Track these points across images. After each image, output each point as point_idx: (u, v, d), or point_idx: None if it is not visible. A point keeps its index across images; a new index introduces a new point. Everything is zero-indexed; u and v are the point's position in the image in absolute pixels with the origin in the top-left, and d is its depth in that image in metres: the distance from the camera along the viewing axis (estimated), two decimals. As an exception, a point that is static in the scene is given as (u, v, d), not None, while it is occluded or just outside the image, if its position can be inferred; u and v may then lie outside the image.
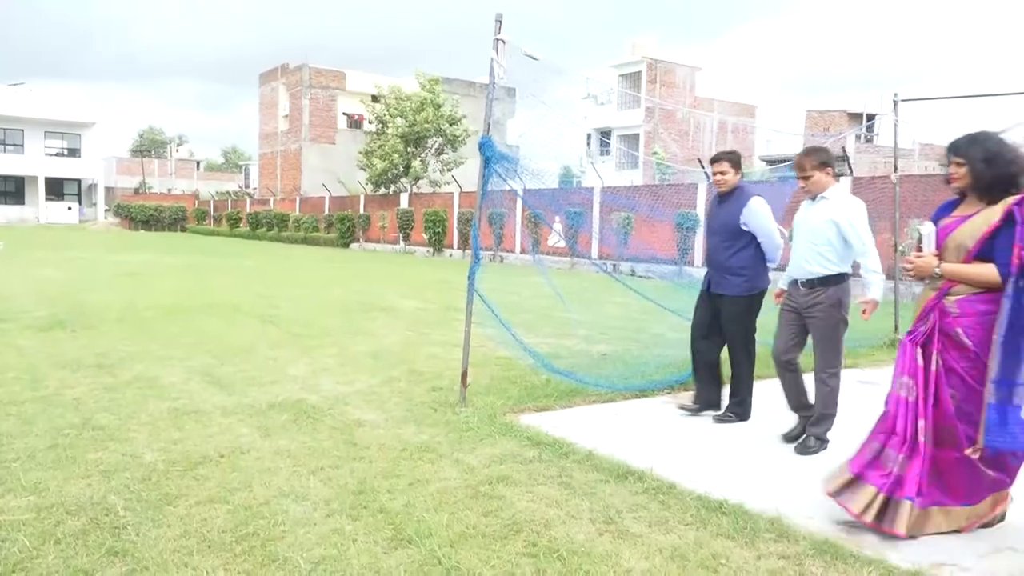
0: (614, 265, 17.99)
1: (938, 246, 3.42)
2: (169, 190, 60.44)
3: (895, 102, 9.15)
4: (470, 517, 3.40)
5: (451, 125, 32.56)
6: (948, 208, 3.51)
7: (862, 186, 16.21)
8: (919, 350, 3.40)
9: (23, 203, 52.67)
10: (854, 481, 3.45)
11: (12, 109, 51.22)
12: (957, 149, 3.41)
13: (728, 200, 5.27)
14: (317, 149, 43.59)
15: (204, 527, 3.21)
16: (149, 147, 79.60)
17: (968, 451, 3.28)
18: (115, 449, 4.20)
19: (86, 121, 53.31)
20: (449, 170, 32.57)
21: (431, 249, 28.61)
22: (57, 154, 53.41)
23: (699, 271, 18.19)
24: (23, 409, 4.96)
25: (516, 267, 22.74)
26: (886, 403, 3.51)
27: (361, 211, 33.02)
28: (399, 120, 32.00)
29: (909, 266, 3.46)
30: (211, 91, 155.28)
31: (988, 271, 3.28)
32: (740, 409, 5.32)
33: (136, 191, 57.25)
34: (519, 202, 23.70)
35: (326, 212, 35.23)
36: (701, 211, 19.75)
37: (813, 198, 4.70)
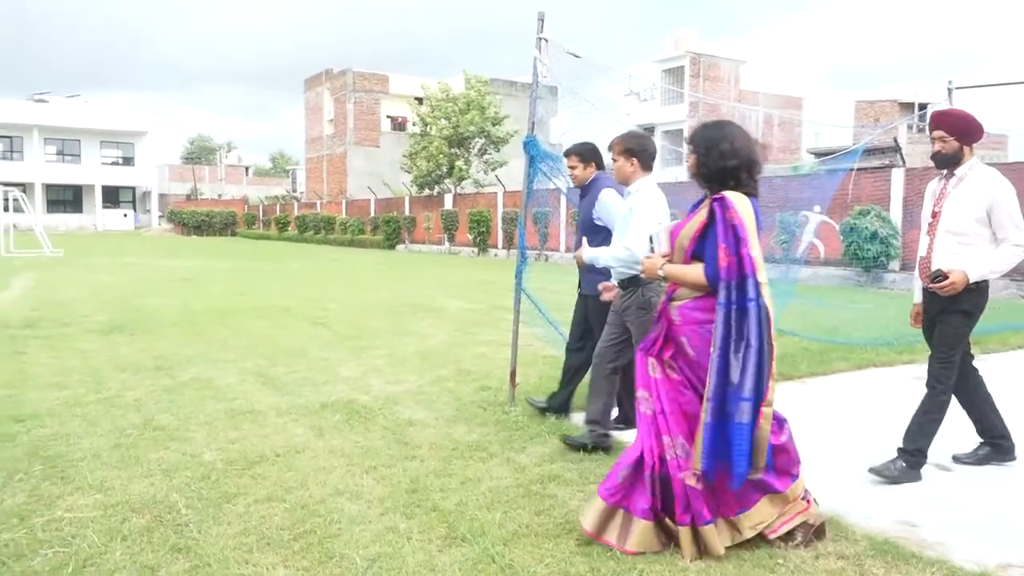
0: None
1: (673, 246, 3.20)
2: (219, 196, 61.73)
3: (949, 90, 8.92)
4: (523, 516, 3.41)
5: (494, 126, 32.66)
6: (697, 204, 3.22)
7: (915, 177, 15.78)
8: (651, 360, 3.19)
9: (81, 211, 54.38)
10: (614, 512, 3.10)
11: (70, 120, 52.96)
12: (690, 137, 3.25)
13: (586, 195, 4.87)
14: (362, 152, 44.10)
15: (263, 525, 3.28)
16: (199, 154, 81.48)
17: (683, 476, 3.02)
18: (175, 448, 4.31)
19: (139, 130, 54.81)
20: (493, 170, 32.66)
21: (476, 249, 28.72)
22: (112, 163, 55.03)
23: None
24: (87, 410, 5.12)
25: (561, 266, 22.70)
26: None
27: (406, 213, 33.33)
28: (443, 122, 32.22)
29: (638, 268, 3.23)
30: (258, 98, 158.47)
31: (695, 272, 3.08)
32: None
33: (188, 197, 58.66)
34: (563, 200, 23.67)
35: (372, 214, 35.64)
36: (748, 206, 19.45)
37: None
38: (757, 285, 2.93)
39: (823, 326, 9.10)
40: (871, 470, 3.99)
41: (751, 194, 3.10)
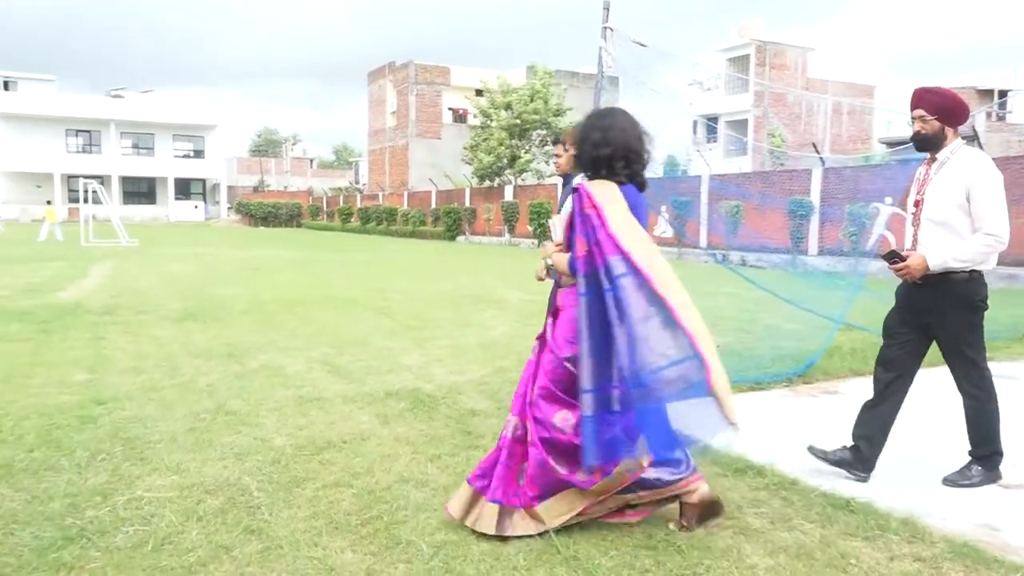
0: (724, 255, 17.52)
1: None
2: (285, 187, 63.18)
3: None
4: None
5: (556, 116, 32.58)
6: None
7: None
8: (536, 344, 3.28)
9: (155, 202, 56.36)
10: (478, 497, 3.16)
11: (144, 115, 54.88)
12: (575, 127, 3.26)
13: (567, 184, 4.89)
14: (423, 144, 44.50)
15: (331, 509, 3.35)
16: (266, 147, 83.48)
17: (579, 476, 3.01)
18: (247, 433, 4.43)
19: (209, 124, 56.46)
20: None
21: (536, 241, 28.73)
22: (184, 156, 56.84)
23: (814, 260, 17.56)
24: (163, 395, 5.31)
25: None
26: None
27: (466, 204, 33.52)
28: (503, 113, 32.28)
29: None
30: (323, 92, 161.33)
31: (563, 261, 3.10)
32: None
33: (255, 189, 60.17)
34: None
35: (433, 206, 35.98)
36: (816, 198, 18.97)
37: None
38: (622, 263, 2.86)
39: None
40: (946, 481, 3.81)
41: (627, 182, 3.08)
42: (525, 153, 32.85)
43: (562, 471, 3.05)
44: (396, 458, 4.05)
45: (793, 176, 20.70)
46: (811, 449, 3.97)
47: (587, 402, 2.91)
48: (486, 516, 3.08)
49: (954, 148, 3.69)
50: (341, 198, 49.17)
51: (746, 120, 41.88)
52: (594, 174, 3.11)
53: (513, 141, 32.62)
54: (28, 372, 5.94)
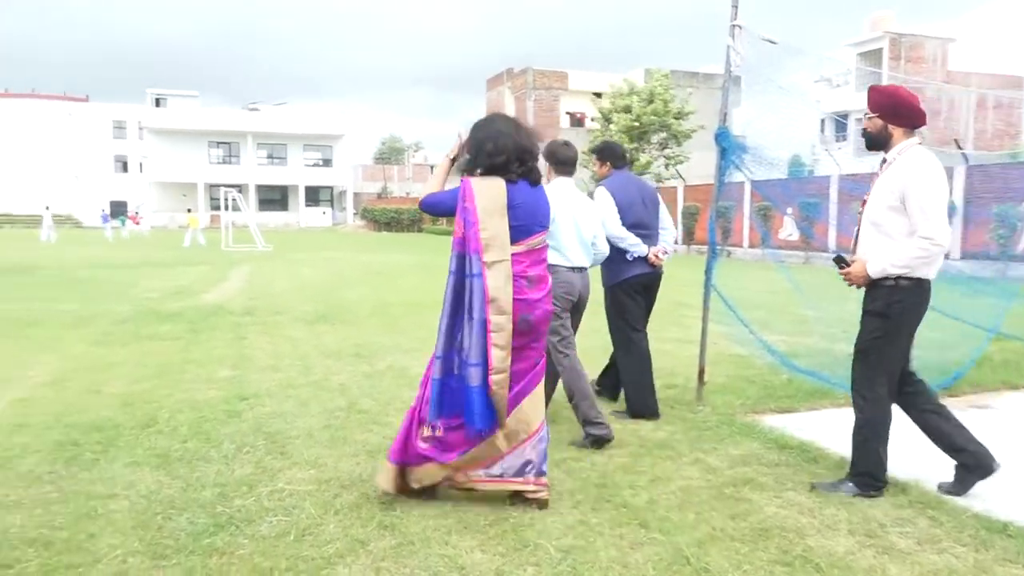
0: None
1: None
2: (407, 194, 65.04)
3: None
4: (716, 519, 3.31)
5: (676, 119, 32.03)
6: None
7: None
8: None
9: (286, 209, 59.42)
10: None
11: (277, 126, 58.02)
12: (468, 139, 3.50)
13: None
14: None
15: (459, 509, 3.41)
16: (389, 154, 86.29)
17: (425, 431, 3.38)
18: (378, 431, 4.59)
19: (336, 133, 59.02)
20: (674, 164, 32.05)
21: (654, 244, 28.33)
22: (313, 164, 59.72)
23: (957, 264, 16.44)
24: (299, 392, 5.58)
25: (745, 262, 21.85)
26: None
27: (584, 208, 33.45)
28: (624, 115, 32.04)
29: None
30: (444, 99, 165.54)
31: None
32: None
33: (379, 195, 62.33)
34: (747, 194, 22.78)
35: (551, 210, 36.07)
36: (959, 198, 17.78)
37: None
38: (479, 264, 3.21)
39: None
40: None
41: (519, 179, 3.34)
42: (644, 156, 32.45)
43: (422, 446, 3.41)
44: (521, 461, 4.08)
45: (933, 175, 19.46)
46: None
47: (436, 366, 3.36)
48: (384, 473, 3.48)
49: (902, 148, 3.60)
50: (460, 203, 50.18)
51: (879, 117, 39.78)
52: (488, 173, 3.36)
53: (632, 144, 32.29)
54: (180, 369, 6.39)
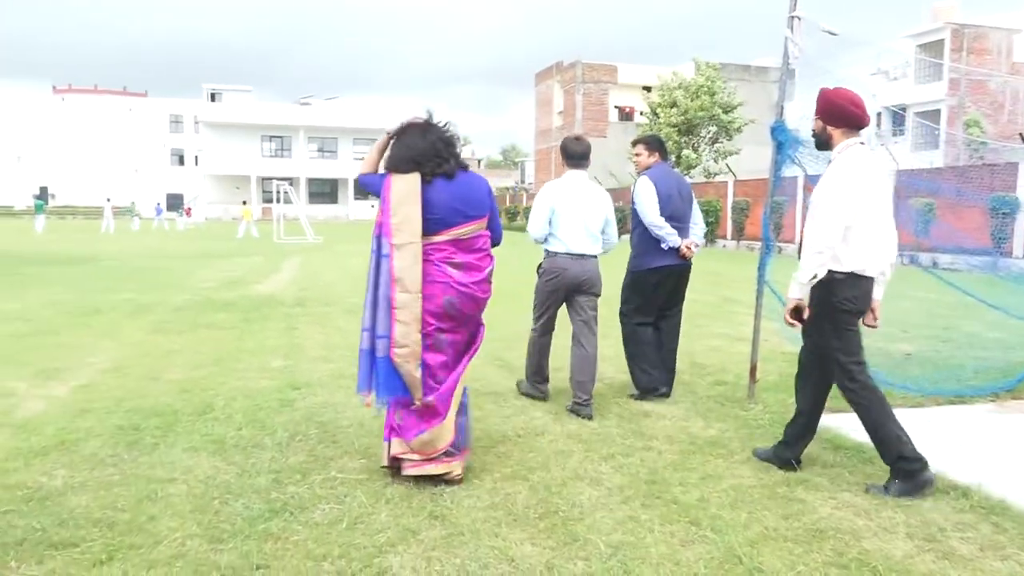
0: (911, 256, 16.29)
1: None
2: (454, 187, 65.39)
3: None
4: (769, 518, 3.26)
5: (726, 113, 31.54)
6: None
7: None
8: None
9: (336, 202, 60.24)
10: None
11: (328, 120, 58.78)
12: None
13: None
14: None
15: (508, 501, 3.42)
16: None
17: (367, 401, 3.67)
18: (427, 423, 4.62)
19: (386, 127, 59.45)
20: (724, 158, 31.59)
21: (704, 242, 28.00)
22: (363, 158, 60.28)
23: (1021, 263, 15.91)
24: (350, 383, 5.63)
25: (796, 259, 21.44)
26: None
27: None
28: (672, 110, 31.68)
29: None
30: (491, 95, 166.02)
31: None
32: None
33: (426, 189, 62.74)
34: (800, 189, 22.33)
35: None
36: (1023, 194, 17.16)
37: None
38: (390, 246, 3.56)
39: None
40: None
41: (433, 178, 3.66)
42: (693, 150, 32.05)
43: (394, 420, 3.69)
44: (569, 455, 4.08)
45: (995, 171, 18.82)
46: None
47: (364, 338, 3.60)
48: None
49: (840, 149, 3.71)
50: (507, 197, 50.24)
51: (938, 110, 38.60)
52: (409, 171, 3.67)
53: (681, 138, 31.92)
54: (234, 357, 6.53)
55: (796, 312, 3.72)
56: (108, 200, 41.02)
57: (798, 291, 3.68)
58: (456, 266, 3.65)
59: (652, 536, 3.08)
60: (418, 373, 3.55)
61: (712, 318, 9.39)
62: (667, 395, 5.30)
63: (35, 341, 7.21)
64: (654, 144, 5.53)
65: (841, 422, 4.72)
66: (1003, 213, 16.97)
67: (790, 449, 3.92)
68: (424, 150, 3.69)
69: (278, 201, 34.04)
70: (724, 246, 27.68)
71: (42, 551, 2.86)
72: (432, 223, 3.61)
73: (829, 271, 3.62)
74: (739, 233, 26.91)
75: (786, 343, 6.93)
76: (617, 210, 6.37)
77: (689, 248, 5.29)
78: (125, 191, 65.43)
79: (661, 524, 3.20)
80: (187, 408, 4.86)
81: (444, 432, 3.59)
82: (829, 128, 3.76)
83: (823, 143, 3.84)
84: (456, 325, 3.70)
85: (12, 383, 5.50)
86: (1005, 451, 4.31)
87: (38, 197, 38.02)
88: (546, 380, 5.33)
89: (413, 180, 3.63)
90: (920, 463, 3.55)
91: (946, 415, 5.02)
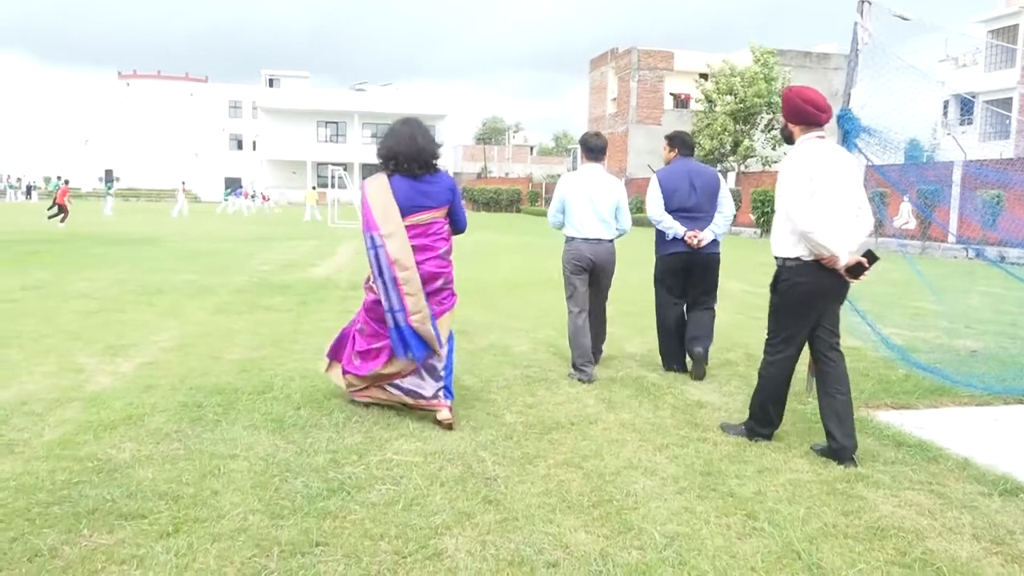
0: (977, 251, 15.78)
1: None
2: (507, 174, 65.37)
3: None
4: (828, 514, 3.21)
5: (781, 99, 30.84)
6: None
7: None
8: None
9: (389, 188, 60.62)
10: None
11: (383, 107, 59.23)
12: None
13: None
14: (643, 130, 44.00)
15: (562, 488, 3.43)
16: (489, 135, 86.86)
17: (355, 362, 4.54)
18: (480, 408, 4.66)
19: (440, 113, 59.74)
20: (781, 146, 30.91)
21: (758, 230, 27.48)
22: (416, 144, 60.62)
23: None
24: (404, 366, 5.71)
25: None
26: None
27: (685, 191, 32.76)
28: (728, 97, 31.10)
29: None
30: (546, 81, 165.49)
31: None
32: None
33: (478, 176, 62.88)
34: (863, 179, 21.71)
35: (650, 193, 35.58)
36: (1101, 186, 16.40)
37: None
38: (379, 237, 4.23)
39: None
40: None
41: (392, 174, 4.34)
42: (749, 139, 31.44)
43: (356, 362, 4.50)
44: (623, 444, 4.06)
45: (1071, 162, 18.02)
46: None
47: (389, 319, 4.26)
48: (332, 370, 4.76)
49: (799, 143, 4.01)
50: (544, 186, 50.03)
51: (1010, 99, 37.11)
52: (383, 169, 4.40)
53: (737, 126, 31.34)
54: (292, 339, 6.66)
55: (853, 270, 3.87)
56: (183, 183, 41.91)
57: (842, 256, 3.81)
58: (413, 246, 4.29)
59: (708, 528, 3.05)
60: (433, 331, 4.26)
61: (765, 309, 9.22)
62: (680, 371, 5.76)
63: (102, 319, 7.46)
64: (676, 141, 5.89)
65: (903, 419, 4.61)
66: (1078, 206, 16.26)
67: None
68: (387, 153, 4.36)
69: (333, 186, 34.50)
70: (723, 232, 27.13)
71: (112, 521, 2.97)
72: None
73: (782, 257, 4.00)
74: (796, 223, 26.41)
75: (847, 337, 6.76)
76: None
77: (693, 237, 5.54)
78: (185, 174, 67.14)
79: (717, 516, 3.17)
80: (247, 387, 4.97)
81: (390, 367, 4.37)
82: (790, 125, 4.08)
83: (787, 139, 4.15)
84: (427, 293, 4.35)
85: (82, 359, 5.71)
86: (1078, 453, 4.15)
87: (107, 181, 38.93)
88: (590, 362, 5.49)
89: (382, 179, 4.36)
90: (768, 431, 4.15)
91: (1014, 414, 4.85)
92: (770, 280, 4.12)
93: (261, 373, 5.37)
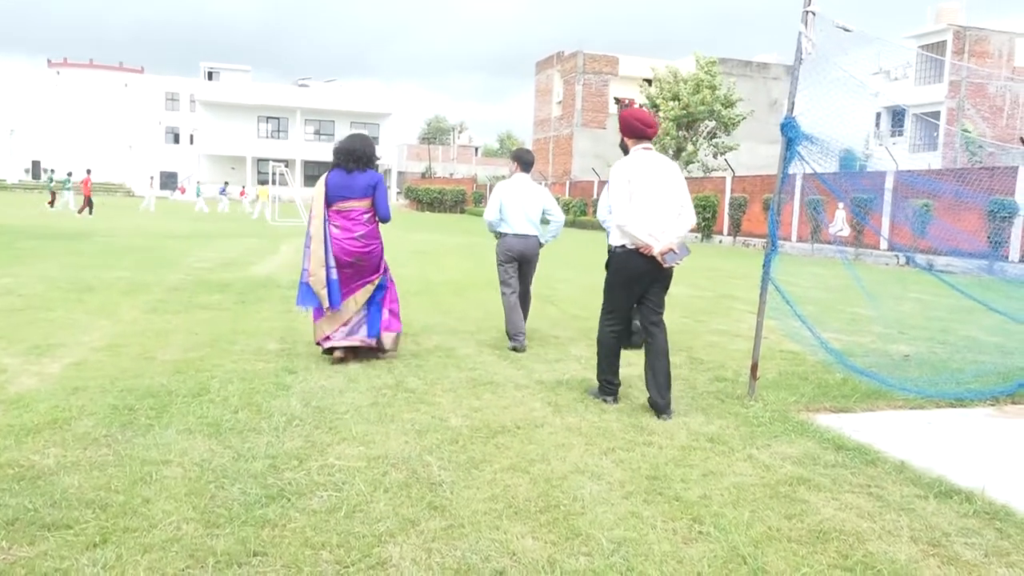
0: (908, 258, 16.29)
1: None
2: (451, 174, 65.15)
3: None
4: (772, 518, 3.23)
5: (726, 108, 31.45)
6: None
7: None
8: None
9: (332, 186, 59.77)
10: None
11: (326, 103, 58.35)
12: None
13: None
14: (588, 134, 44.39)
15: (509, 493, 3.38)
16: (434, 135, 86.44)
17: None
18: (425, 411, 4.58)
19: (384, 112, 59.18)
20: (722, 154, 31.53)
21: (699, 235, 27.95)
22: (360, 142, 59.93)
23: (1017, 268, 15.86)
24: (347, 368, 5.59)
25: (792, 256, 21.44)
26: None
27: (629, 195, 33.13)
28: (672, 103, 31.57)
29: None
30: (491, 83, 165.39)
31: None
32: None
33: (423, 175, 62.47)
34: (797, 187, 22.28)
35: (595, 196, 35.87)
36: (1022, 198, 17.18)
37: None
38: (310, 217, 5.68)
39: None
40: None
41: (333, 169, 5.74)
42: (692, 144, 31.97)
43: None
44: (570, 448, 4.04)
45: (995, 174, 18.83)
46: None
47: (303, 275, 5.69)
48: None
49: (631, 152, 4.86)
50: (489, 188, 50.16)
51: (938, 112, 38.60)
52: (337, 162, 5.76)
53: (680, 132, 31.84)
54: (230, 339, 6.46)
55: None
56: (152, 177, 40.57)
57: (655, 245, 4.62)
58: (336, 227, 5.62)
59: (655, 533, 3.04)
60: (324, 292, 5.57)
61: (710, 313, 9.36)
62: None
63: (28, 316, 7.12)
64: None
65: (842, 422, 4.70)
66: (1000, 217, 16.97)
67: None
68: (336, 152, 5.75)
69: (273, 183, 33.81)
70: (720, 241, 27.65)
71: (34, 532, 2.81)
72: (327, 199, 5.66)
73: (612, 246, 4.88)
74: (736, 229, 26.90)
75: (785, 341, 6.92)
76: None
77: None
78: (118, 168, 64.96)
79: (663, 521, 3.16)
80: (182, 389, 4.79)
81: (338, 317, 5.72)
82: (626, 139, 4.90)
83: (624, 150, 4.93)
84: (343, 265, 5.63)
85: (4, 359, 5.43)
86: (1007, 456, 4.29)
87: (66, 175, 36.99)
88: (521, 333, 6.58)
89: (322, 177, 5.71)
90: (613, 388, 5.01)
91: (946, 418, 5.00)
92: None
93: (197, 374, 5.18)
